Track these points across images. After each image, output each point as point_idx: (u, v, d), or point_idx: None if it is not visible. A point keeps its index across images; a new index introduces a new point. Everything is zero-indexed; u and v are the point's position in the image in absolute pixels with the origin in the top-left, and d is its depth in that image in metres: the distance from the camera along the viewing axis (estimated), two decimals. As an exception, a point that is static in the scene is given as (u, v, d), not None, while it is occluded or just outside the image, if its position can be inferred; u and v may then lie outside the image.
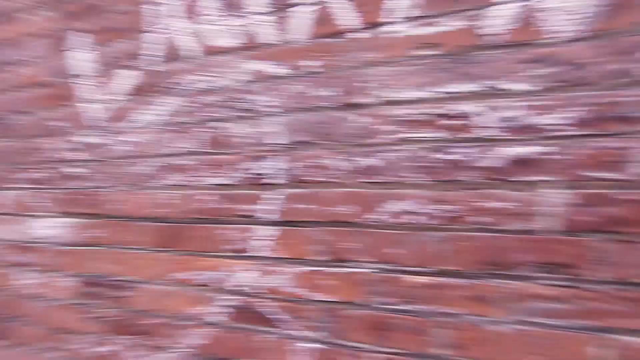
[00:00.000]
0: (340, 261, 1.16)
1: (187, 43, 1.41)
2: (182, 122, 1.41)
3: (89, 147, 1.60)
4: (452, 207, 1.03)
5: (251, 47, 1.30)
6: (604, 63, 0.90)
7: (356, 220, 1.14)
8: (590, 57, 0.91)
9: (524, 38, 0.97)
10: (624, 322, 0.90)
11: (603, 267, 0.91)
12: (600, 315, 0.92)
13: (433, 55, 1.06)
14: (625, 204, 0.89)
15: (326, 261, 1.18)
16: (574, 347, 0.94)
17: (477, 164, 1.01)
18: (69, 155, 1.65)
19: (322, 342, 1.18)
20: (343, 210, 1.16)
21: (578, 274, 0.93)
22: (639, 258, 0.89)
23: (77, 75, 1.63)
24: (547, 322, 0.96)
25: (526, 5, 0.97)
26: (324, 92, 1.19)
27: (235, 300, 1.30)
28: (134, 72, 1.49)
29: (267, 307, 1.26)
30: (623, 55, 0.89)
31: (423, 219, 1.07)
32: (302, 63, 1.22)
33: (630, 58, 0.89)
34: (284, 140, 1.24)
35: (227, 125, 1.33)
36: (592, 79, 0.91)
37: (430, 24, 1.06)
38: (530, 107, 0.96)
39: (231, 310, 1.31)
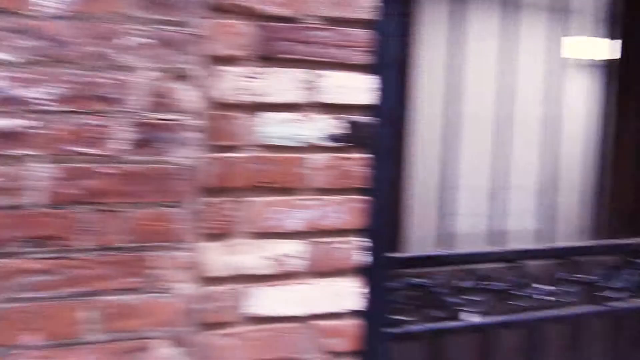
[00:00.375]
0: None
1: None
2: None
3: None
4: None
5: None
6: (85, 44, 0.96)
7: None
8: (71, 37, 0.95)
9: (8, 6, 0.93)
10: (105, 284, 1.00)
11: (88, 236, 0.98)
12: (86, 280, 0.99)
13: None
14: (104, 177, 0.98)
15: None
16: (65, 315, 0.98)
17: (-43, 136, 0.92)
18: None
19: None
20: None
21: (65, 245, 0.97)
22: (117, 225, 1.00)
23: None
24: (39, 295, 0.96)
25: (9, -29, 0.93)
26: None
27: None
28: None
29: None
30: (102, 39, 0.97)
31: None
32: None
33: (108, 43, 0.97)
34: None
35: None
36: (74, 58, 0.95)
37: None
38: (13, 79, 0.93)
39: None
